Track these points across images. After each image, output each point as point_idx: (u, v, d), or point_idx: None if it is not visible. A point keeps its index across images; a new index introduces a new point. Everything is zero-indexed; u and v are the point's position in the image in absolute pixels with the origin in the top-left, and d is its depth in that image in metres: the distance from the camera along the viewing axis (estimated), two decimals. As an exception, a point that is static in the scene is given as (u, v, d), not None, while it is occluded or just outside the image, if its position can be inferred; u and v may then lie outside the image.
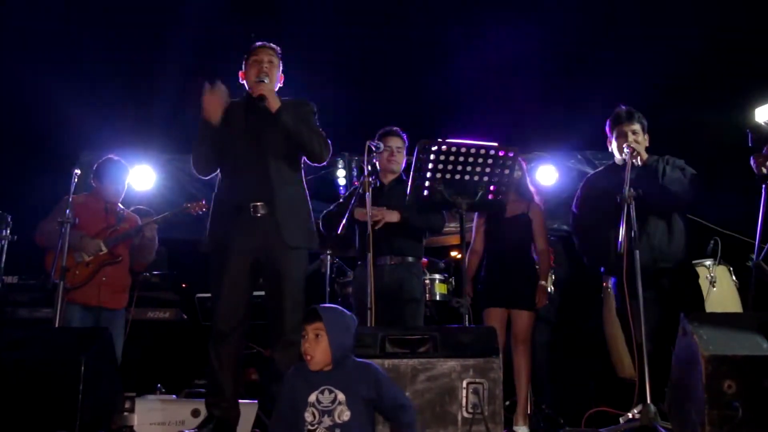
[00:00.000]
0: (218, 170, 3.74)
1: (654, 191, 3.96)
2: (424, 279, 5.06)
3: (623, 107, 4.16)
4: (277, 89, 3.73)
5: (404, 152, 4.55)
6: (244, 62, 3.78)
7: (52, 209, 4.50)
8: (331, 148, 3.73)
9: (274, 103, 3.56)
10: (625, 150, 3.92)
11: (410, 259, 4.37)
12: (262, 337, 4.99)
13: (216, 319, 3.55)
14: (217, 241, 3.59)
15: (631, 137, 4.02)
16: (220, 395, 3.50)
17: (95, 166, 4.79)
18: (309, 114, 3.75)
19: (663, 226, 4.09)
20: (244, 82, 3.77)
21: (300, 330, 2.84)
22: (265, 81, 3.61)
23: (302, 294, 3.60)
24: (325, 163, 3.88)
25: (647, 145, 4.14)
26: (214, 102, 3.58)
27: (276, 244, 3.52)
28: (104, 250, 4.49)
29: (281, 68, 3.80)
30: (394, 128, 4.52)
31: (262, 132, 3.60)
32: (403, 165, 4.57)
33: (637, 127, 4.08)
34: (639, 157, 3.98)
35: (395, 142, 4.47)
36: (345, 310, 2.79)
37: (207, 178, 3.81)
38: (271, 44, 3.81)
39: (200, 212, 4.77)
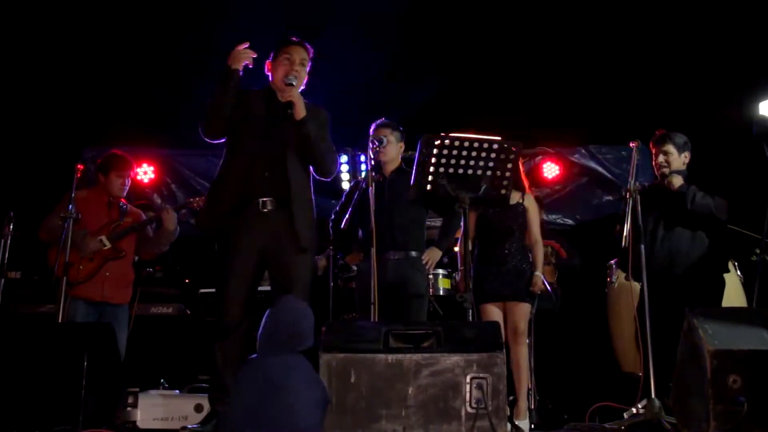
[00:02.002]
0: (224, 159, 3.65)
1: (679, 216, 4.22)
2: (428, 274, 5.09)
3: (657, 132, 4.44)
4: (300, 90, 3.63)
5: (395, 142, 4.49)
6: (273, 53, 3.66)
7: (56, 205, 4.49)
8: (338, 163, 3.69)
9: (301, 112, 3.49)
10: (631, 144, 4.12)
11: (413, 253, 4.37)
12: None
13: (221, 315, 3.54)
14: (222, 236, 3.54)
15: (661, 158, 4.36)
16: (224, 391, 3.50)
17: (99, 160, 4.78)
18: (324, 125, 3.69)
19: (686, 234, 4.24)
20: (270, 74, 3.67)
21: None
22: (294, 83, 3.51)
23: (309, 292, 3.59)
24: (329, 178, 3.80)
25: (686, 161, 4.39)
26: (243, 55, 3.49)
27: (288, 244, 3.49)
28: (107, 245, 4.48)
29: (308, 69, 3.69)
30: (381, 119, 4.51)
31: (282, 130, 3.53)
32: (400, 155, 4.55)
33: (668, 147, 4.35)
34: (669, 181, 4.28)
35: (383, 133, 4.45)
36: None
37: (212, 141, 3.66)
38: (307, 43, 3.68)
39: (201, 206, 4.77)
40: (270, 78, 3.69)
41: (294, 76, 3.53)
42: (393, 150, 4.47)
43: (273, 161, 3.52)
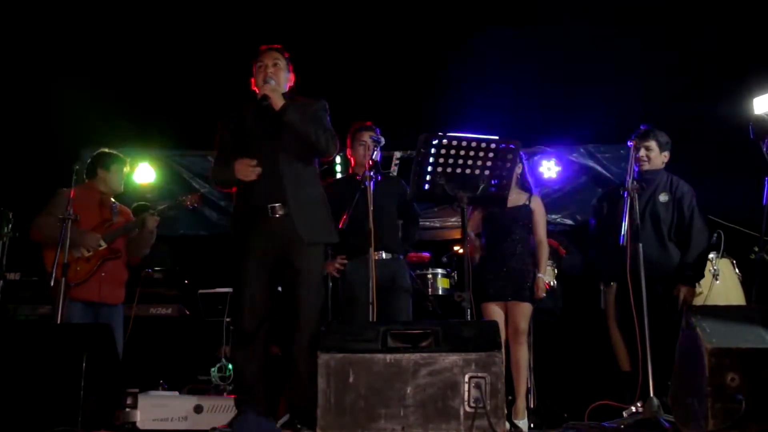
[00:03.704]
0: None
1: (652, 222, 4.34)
2: (426, 273, 5.13)
3: (642, 126, 4.48)
4: (288, 89, 3.74)
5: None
6: (253, 67, 3.76)
7: (47, 204, 4.44)
8: (338, 143, 3.73)
9: (277, 102, 3.56)
10: (629, 143, 4.20)
11: (396, 255, 4.47)
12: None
13: (240, 321, 3.59)
14: (239, 244, 3.62)
15: (642, 152, 4.40)
16: (247, 392, 3.53)
17: (91, 159, 4.71)
18: (320, 111, 3.74)
19: (653, 239, 4.29)
20: (255, 89, 3.75)
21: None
22: (271, 83, 3.61)
23: (320, 287, 3.67)
24: (332, 158, 3.95)
25: (665, 160, 4.47)
26: (247, 170, 3.58)
27: (293, 241, 3.55)
28: (103, 245, 4.46)
29: (290, 68, 3.79)
30: (367, 123, 4.53)
31: (274, 135, 3.61)
32: (379, 158, 4.58)
33: (651, 143, 4.40)
34: (644, 166, 4.40)
35: (366, 137, 4.49)
36: None
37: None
38: (276, 45, 3.78)
39: (195, 205, 4.76)
40: (257, 92, 3.75)
41: (269, 77, 3.64)
42: (372, 152, 4.50)
43: (269, 166, 3.59)
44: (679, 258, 4.30)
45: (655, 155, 4.41)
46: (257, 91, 3.71)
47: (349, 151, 4.58)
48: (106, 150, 4.75)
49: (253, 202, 3.60)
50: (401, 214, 4.66)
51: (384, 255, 4.36)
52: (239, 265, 3.59)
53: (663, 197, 4.38)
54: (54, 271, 4.01)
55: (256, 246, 3.56)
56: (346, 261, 4.31)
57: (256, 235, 3.56)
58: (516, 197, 4.50)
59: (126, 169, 4.73)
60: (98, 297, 4.42)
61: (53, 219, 4.15)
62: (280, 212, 3.55)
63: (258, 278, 3.55)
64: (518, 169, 4.49)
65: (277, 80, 3.66)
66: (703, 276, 4.44)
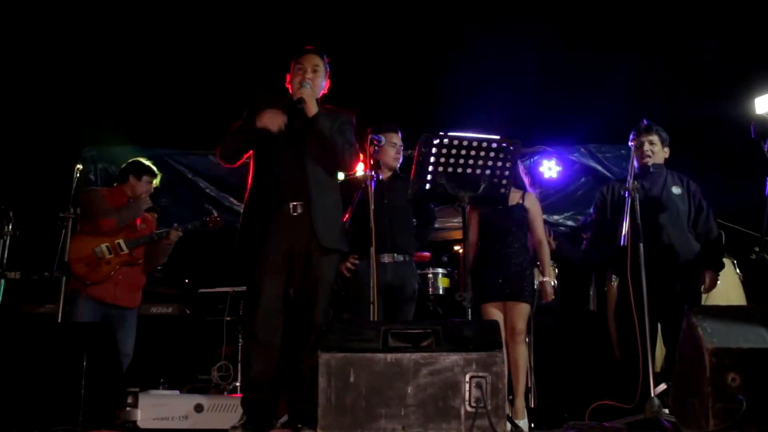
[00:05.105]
0: (252, 171, 3.72)
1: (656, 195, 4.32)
2: (427, 273, 5.12)
3: (645, 121, 4.47)
4: (321, 95, 3.76)
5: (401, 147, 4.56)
6: (291, 65, 3.77)
7: (101, 201, 4.58)
8: (358, 158, 3.78)
9: (312, 108, 3.58)
10: (630, 143, 4.22)
11: (408, 257, 4.43)
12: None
13: (254, 319, 3.54)
14: (251, 240, 3.59)
15: (647, 146, 4.39)
16: (259, 390, 3.52)
17: (126, 165, 4.81)
18: (346, 124, 3.77)
19: (674, 227, 4.24)
20: (289, 86, 3.76)
21: None
22: (307, 87, 3.62)
23: (332, 297, 3.67)
24: (349, 172, 4.00)
25: (666, 155, 4.46)
26: (276, 120, 3.60)
27: (311, 245, 3.55)
28: (125, 250, 4.51)
29: (327, 73, 3.80)
30: (393, 124, 4.52)
31: (303, 136, 3.62)
32: (401, 159, 4.60)
33: (654, 137, 4.40)
34: (648, 160, 4.38)
35: (397, 139, 4.49)
36: None
37: (232, 165, 3.78)
38: (318, 49, 3.80)
39: (217, 228, 4.85)
40: (290, 91, 3.75)
41: (307, 82, 3.64)
42: (401, 155, 4.52)
43: (294, 166, 3.59)
44: (700, 248, 4.28)
45: (658, 149, 4.41)
46: (290, 90, 3.71)
47: (370, 150, 4.51)
48: (142, 160, 4.86)
49: (274, 198, 3.58)
50: (415, 214, 4.64)
51: (396, 256, 4.34)
52: (254, 266, 3.57)
53: (677, 190, 4.35)
54: (64, 266, 4.21)
55: (273, 246, 3.54)
56: (357, 261, 4.30)
57: (273, 232, 3.54)
58: (510, 196, 4.49)
59: (155, 182, 4.82)
60: (112, 298, 4.48)
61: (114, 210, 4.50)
62: (300, 211, 3.55)
63: (273, 283, 3.53)
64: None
65: (312, 85, 3.66)
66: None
